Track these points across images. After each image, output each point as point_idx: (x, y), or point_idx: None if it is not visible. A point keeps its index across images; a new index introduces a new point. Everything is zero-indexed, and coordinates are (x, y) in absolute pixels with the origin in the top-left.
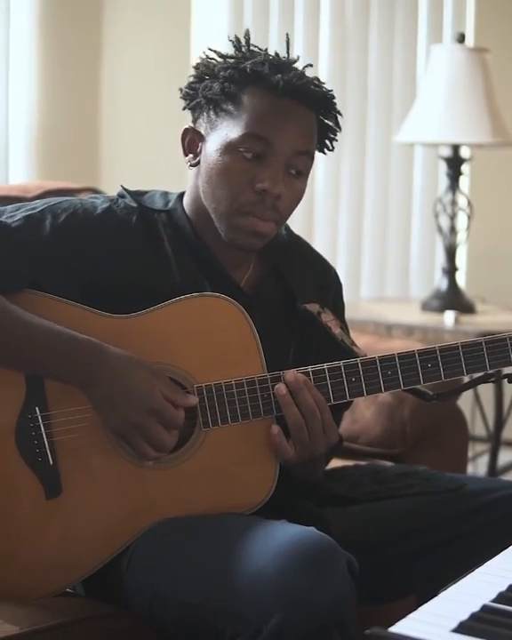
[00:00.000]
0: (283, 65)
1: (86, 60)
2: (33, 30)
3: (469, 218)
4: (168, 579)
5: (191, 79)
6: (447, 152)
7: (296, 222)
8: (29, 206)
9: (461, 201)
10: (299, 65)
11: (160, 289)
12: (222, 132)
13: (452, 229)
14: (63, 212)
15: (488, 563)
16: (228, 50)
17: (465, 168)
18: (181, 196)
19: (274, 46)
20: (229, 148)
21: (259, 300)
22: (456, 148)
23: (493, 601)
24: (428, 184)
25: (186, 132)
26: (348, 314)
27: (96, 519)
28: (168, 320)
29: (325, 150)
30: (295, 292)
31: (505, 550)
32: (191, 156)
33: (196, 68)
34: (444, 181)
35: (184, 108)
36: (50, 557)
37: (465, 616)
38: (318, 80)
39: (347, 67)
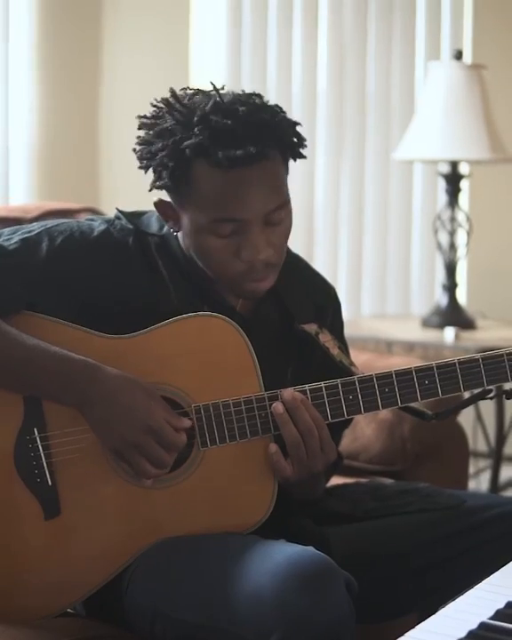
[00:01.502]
0: (221, 129)
1: (85, 79)
2: (31, 49)
3: (469, 234)
4: (168, 599)
5: (144, 135)
6: (446, 168)
7: (295, 241)
8: (26, 229)
9: (460, 217)
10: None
11: (157, 310)
12: (190, 215)
13: (452, 246)
14: (60, 235)
15: (486, 580)
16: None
17: (464, 184)
18: None
19: (272, 64)
20: (202, 231)
21: (256, 321)
22: (454, 164)
23: (491, 618)
24: (427, 201)
25: (158, 204)
26: (349, 331)
27: (95, 539)
28: (165, 340)
29: (301, 156)
30: (293, 312)
31: (503, 567)
32: (171, 222)
33: (140, 144)
34: (442, 198)
35: (140, 168)
36: (50, 578)
37: (463, 633)
38: (261, 108)
39: (344, 84)
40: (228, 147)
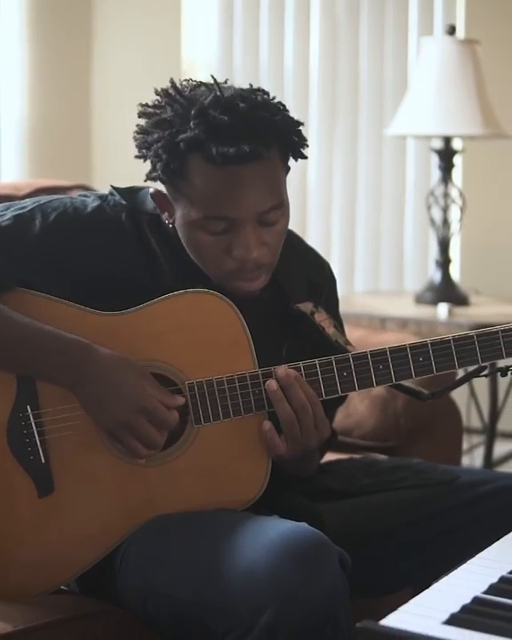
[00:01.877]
0: (217, 125)
1: (77, 56)
2: (22, 28)
3: (462, 210)
4: (161, 575)
5: (143, 123)
6: (439, 144)
7: (289, 218)
8: (19, 205)
9: (454, 193)
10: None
11: (151, 287)
12: (183, 209)
13: (445, 222)
14: (53, 211)
15: (480, 554)
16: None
17: (457, 160)
18: None
19: (264, 45)
20: (194, 226)
21: (249, 299)
22: (447, 140)
23: (485, 593)
24: (420, 177)
25: (154, 195)
26: (343, 308)
27: (89, 517)
28: (158, 317)
29: (302, 157)
30: (288, 291)
31: (497, 542)
32: (167, 214)
33: (138, 133)
34: (436, 174)
35: (137, 157)
36: (44, 555)
37: (456, 608)
38: (261, 105)
39: (337, 60)
40: (222, 143)
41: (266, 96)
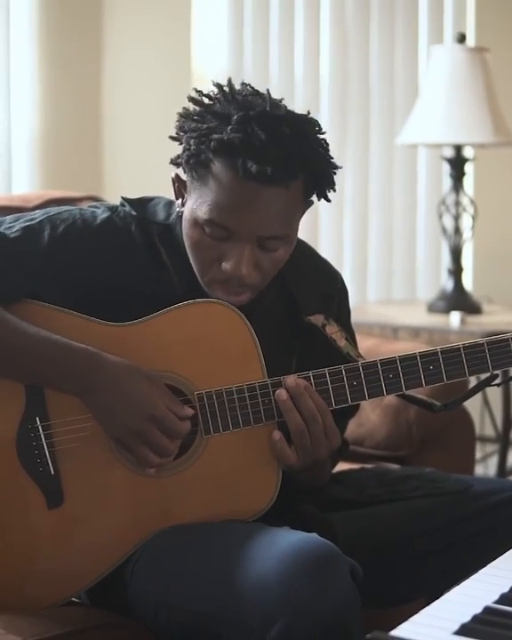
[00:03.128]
0: (254, 138)
1: (87, 67)
2: (33, 39)
3: (474, 218)
4: (171, 586)
5: (189, 108)
6: (450, 153)
7: (301, 227)
8: (28, 217)
9: (465, 201)
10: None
11: (160, 297)
12: (192, 204)
13: (457, 230)
14: (62, 223)
15: (491, 564)
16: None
17: (468, 168)
18: None
19: (274, 52)
20: (196, 224)
21: (260, 309)
22: (458, 148)
23: (496, 602)
24: (431, 185)
25: (173, 180)
26: (355, 317)
27: (99, 528)
28: (167, 327)
29: (325, 199)
30: (300, 303)
31: (509, 551)
32: (180, 201)
33: (179, 118)
34: (447, 182)
35: (171, 137)
36: (54, 567)
37: (467, 618)
38: (305, 137)
39: (347, 69)
40: (250, 157)
41: (316, 129)
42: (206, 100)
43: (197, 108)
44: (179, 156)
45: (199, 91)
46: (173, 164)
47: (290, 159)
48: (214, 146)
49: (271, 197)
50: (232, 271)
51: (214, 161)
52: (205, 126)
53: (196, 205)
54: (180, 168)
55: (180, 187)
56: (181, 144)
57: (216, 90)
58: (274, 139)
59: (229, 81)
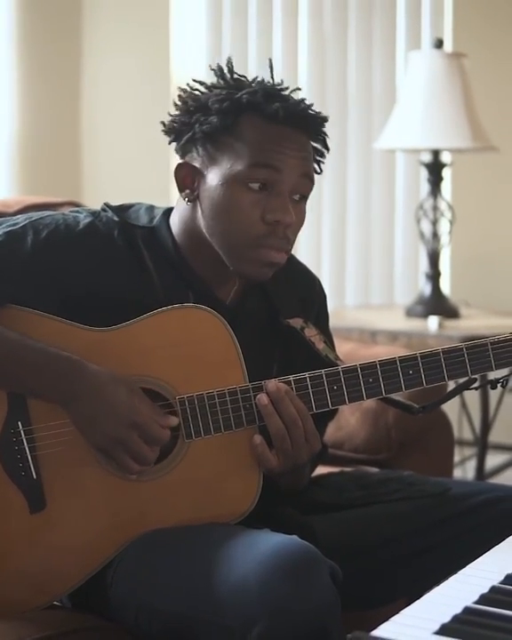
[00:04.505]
0: (274, 92)
1: (66, 74)
2: (12, 46)
3: (451, 223)
4: (152, 589)
5: (177, 113)
6: (428, 158)
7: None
8: (11, 222)
9: (443, 206)
10: (286, 88)
11: (142, 303)
12: (225, 165)
13: (435, 235)
14: (45, 228)
15: (470, 565)
16: (207, 70)
17: (445, 173)
18: (167, 212)
19: (253, 57)
20: (236, 181)
21: (243, 314)
22: (436, 153)
23: (475, 603)
24: (409, 190)
25: (180, 167)
26: (333, 321)
27: (81, 532)
28: (149, 332)
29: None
30: (279, 307)
31: (488, 552)
32: (188, 191)
33: (183, 101)
34: (425, 187)
35: (171, 142)
36: (36, 571)
37: (447, 618)
38: (306, 103)
39: (325, 74)
40: (284, 102)
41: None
42: (202, 89)
43: (196, 93)
44: (184, 142)
45: (197, 80)
46: (180, 148)
47: (307, 113)
48: (235, 106)
49: (302, 140)
50: (281, 218)
51: (242, 118)
52: (226, 91)
53: (229, 166)
54: (186, 156)
55: (187, 174)
56: (172, 137)
57: (215, 73)
58: (286, 97)
59: (220, 68)
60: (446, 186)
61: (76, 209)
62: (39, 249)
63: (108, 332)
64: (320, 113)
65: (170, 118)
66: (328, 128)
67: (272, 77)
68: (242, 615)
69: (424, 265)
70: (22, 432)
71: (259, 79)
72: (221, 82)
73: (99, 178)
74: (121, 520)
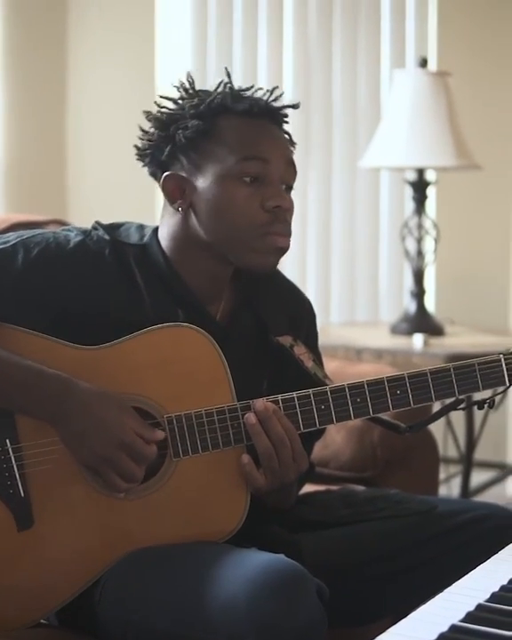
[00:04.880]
0: (239, 93)
1: (51, 89)
2: None
3: (436, 241)
4: (141, 608)
5: (151, 131)
6: (412, 176)
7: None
8: (1, 240)
9: (428, 224)
10: (249, 88)
11: (133, 322)
12: (213, 167)
13: (420, 253)
14: (36, 246)
15: (457, 583)
16: (192, 71)
17: (430, 191)
18: (156, 230)
19: (238, 73)
20: (228, 178)
21: (233, 331)
22: (421, 171)
23: (462, 621)
24: (394, 208)
25: (167, 179)
26: (319, 339)
27: (69, 550)
28: (137, 351)
29: None
30: (268, 324)
31: (474, 570)
32: (179, 201)
33: (154, 118)
34: (409, 205)
35: (146, 164)
36: (23, 589)
37: (433, 636)
38: (272, 93)
39: (310, 92)
40: (256, 100)
41: None
42: (170, 105)
43: (167, 107)
44: (167, 155)
45: (163, 97)
46: (159, 168)
47: (276, 106)
48: (209, 109)
49: (278, 130)
50: (280, 202)
51: (219, 120)
52: (196, 100)
53: (220, 162)
54: (170, 169)
55: (176, 185)
56: (148, 158)
57: (177, 89)
58: (254, 99)
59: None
60: (431, 204)
61: (67, 228)
62: (29, 267)
63: (97, 351)
64: (285, 103)
65: (142, 140)
66: (314, 146)
67: (231, 83)
68: (230, 633)
69: (409, 282)
70: (10, 450)
71: (220, 87)
72: (186, 95)
73: (84, 195)
74: (109, 538)
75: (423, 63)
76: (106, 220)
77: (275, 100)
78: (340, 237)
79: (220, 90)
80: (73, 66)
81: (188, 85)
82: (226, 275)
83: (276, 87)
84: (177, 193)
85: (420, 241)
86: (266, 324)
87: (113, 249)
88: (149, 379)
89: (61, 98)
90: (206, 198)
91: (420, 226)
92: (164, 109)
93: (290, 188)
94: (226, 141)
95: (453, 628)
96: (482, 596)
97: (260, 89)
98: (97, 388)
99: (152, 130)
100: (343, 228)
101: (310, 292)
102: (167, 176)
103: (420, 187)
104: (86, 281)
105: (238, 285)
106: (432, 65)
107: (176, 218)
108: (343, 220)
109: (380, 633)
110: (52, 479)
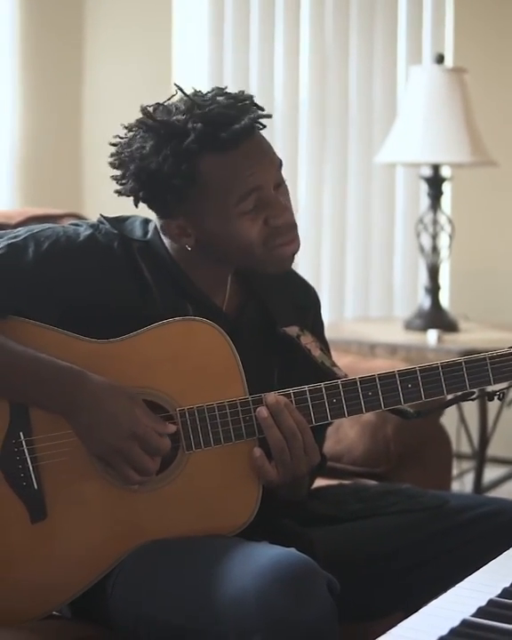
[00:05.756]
0: (210, 119)
1: (68, 84)
2: (13, 56)
3: (451, 237)
4: (152, 600)
5: (124, 181)
6: (428, 172)
7: None
8: (12, 234)
9: (443, 220)
10: (208, 99)
11: (142, 315)
12: (212, 211)
13: (434, 248)
14: (46, 240)
15: (468, 578)
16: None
17: (445, 187)
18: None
19: (254, 69)
20: (233, 217)
21: (242, 323)
22: (436, 167)
23: (473, 615)
24: (409, 204)
25: (167, 226)
26: (332, 334)
27: (81, 542)
28: (149, 344)
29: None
30: (275, 315)
31: (486, 565)
32: (185, 239)
33: (120, 162)
34: (425, 201)
35: (137, 201)
36: (36, 581)
37: (444, 631)
38: (240, 103)
39: (327, 89)
40: (227, 125)
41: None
42: (136, 149)
43: (143, 157)
44: (159, 209)
45: (117, 138)
46: (164, 217)
47: (243, 105)
48: (196, 147)
49: (259, 140)
50: (283, 221)
51: (200, 165)
52: (169, 147)
53: (218, 209)
54: (167, 218)
55: (179, 229)
56: (140, 202)
57: (134, 133)
58: (221, 104)
59: (145, 110)
60: (446, 200)
61: (76, 222)
62: (40, 261)
63: (109, 345)
64: (246, 97)
65: (118, 186)
66: (330, 141)
67: (186, 95)
68: (240, 626)
69: (423, 278)
70: (24, 442)
71: (182, 108)
72: (147, 128)
73: (100, 189)
74: (121, 530)
75: (439, 59)
76: (121, 214)
77: (243, 108)
78: (354, 233)
79: (184, 121)
80: (89, 60)
81: (148, 116)
82: (229, 269)
83: (242, 91)
84: (181, 235)
85: (434, 237)
86: (272, 314)
87: (121, 243)
88: (162, 372)
89: (77, 92)
90: (211, 235)
91: (434, 222)
92: (133, 167)
93: (281, 183)
94: (216, 186)
95: (464, 622)
96: (493, 592)
97: (225, 94)
98: (109, 382)
99: (123, 180)
100: (358, 223)
101: (324, 287)
102: (166, 223)
103: (435, 183)
104: (97, 274)
105: (244, 278)
106: (448, 61)
107: (173, 237)
108: (358, 216)
109: (391, 628)
110: (65, 472)
